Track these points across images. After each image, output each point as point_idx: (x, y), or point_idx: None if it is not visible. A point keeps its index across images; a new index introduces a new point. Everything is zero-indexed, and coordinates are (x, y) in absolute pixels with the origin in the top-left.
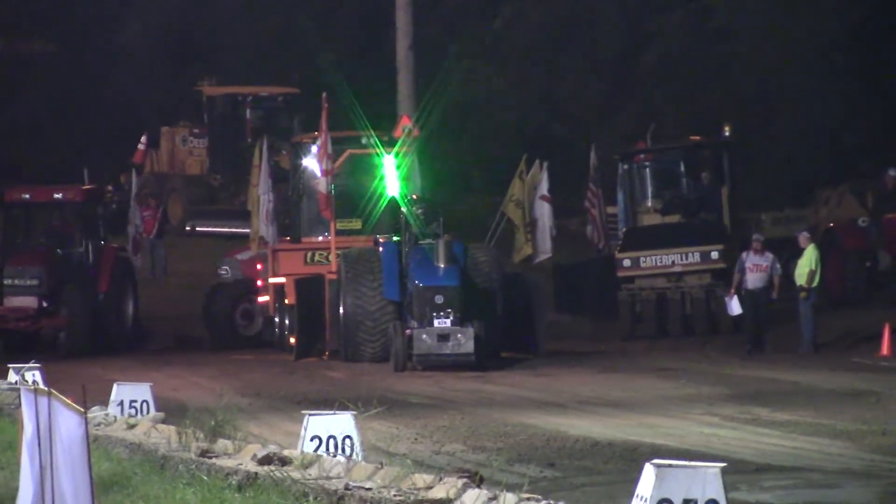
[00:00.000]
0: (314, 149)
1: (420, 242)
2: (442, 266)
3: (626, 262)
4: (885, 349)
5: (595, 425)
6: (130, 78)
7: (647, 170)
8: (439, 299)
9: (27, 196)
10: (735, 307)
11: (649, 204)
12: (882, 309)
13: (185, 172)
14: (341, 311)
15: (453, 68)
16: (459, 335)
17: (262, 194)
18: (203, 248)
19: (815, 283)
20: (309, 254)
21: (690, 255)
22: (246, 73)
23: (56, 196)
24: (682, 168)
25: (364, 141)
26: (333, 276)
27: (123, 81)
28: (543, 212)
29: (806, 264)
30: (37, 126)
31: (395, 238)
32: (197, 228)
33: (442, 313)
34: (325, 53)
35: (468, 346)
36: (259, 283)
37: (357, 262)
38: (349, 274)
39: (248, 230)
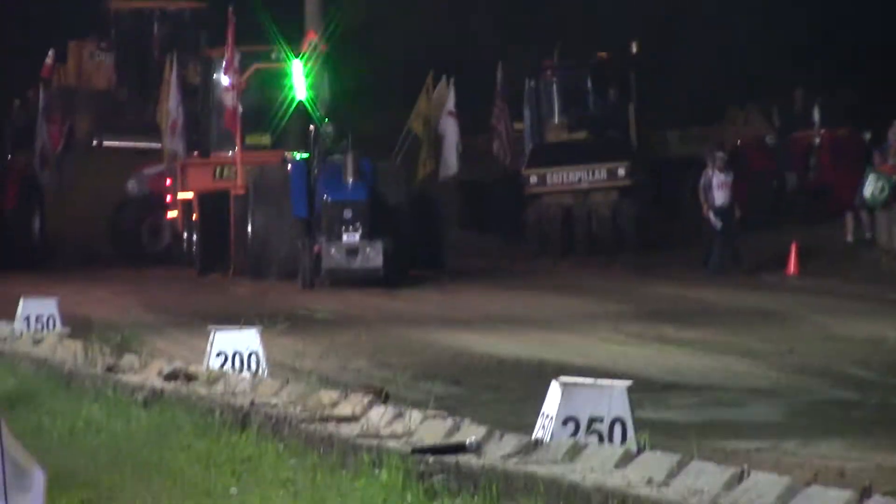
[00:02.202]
0: (222, 63)
1: (329, 158)
2: (350, 181)
3: (533, 179)
4: (791, 268)
5: (501, 342)
6: None
7: (554, 86)
8: (348, 214)
9: None
10: (717, 222)
11: (556, 121)
12: (789, 228)
13: (93, 87)
14: (249, 228)
15: None
16: (368, 249)
17: (171, 109)
18: (111, 163)
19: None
20: (218, 169)
21: (597, 172)
22: None
23: None
24: (589, 85)
25: (272, 55)
26: (239, 192)
27: None
28: (450, 128)
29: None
30: None
31: (302, 155)
32: (104, 143)
33: (350, 227)
34: None
35: (377, 260)
36: (168, 198)
37: (265, 178)
38: (257, 191)
39: (155, 145)
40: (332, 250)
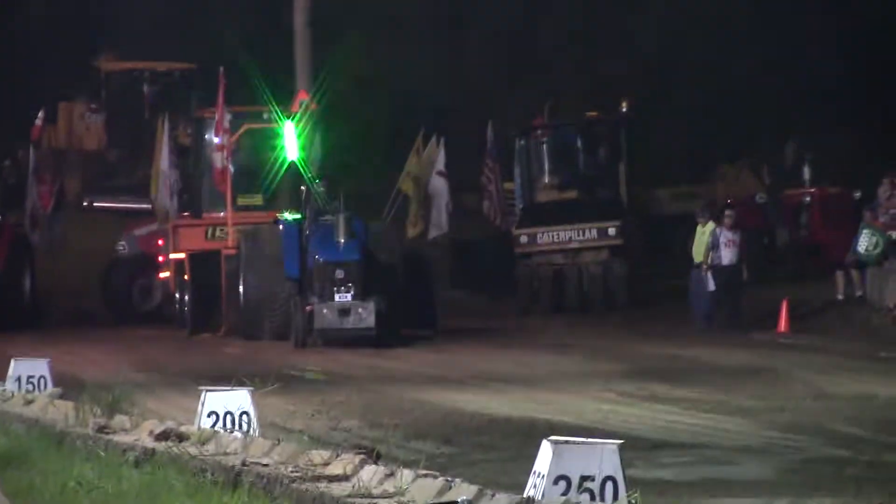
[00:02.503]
0: (214, 123)
1: (321, 218)
2: (342, 241)
3: (524, 239)
4: (782, 326)
5: (492, 401)
6: (27, 52)
7: (545, 146)
8: (340, 274)
9: None
10: (711, 283)
11: (546, 180)
12: (780, 286)
13: (83, 148)
14: (241, 289)
15: (351, 43)
16: (360, 309)
17: (162, 169)
18: (100, 223)
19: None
20: (210, 229)
21: (588, 231)
22: (143, 49)
23: None
24: (580, 144)
25: (265, 116)
26: (230, 252)
27: (20, 56)
28: (440, 187)
29: (705, 241)
30: None
31: (293, 216)
32: (94, 204)
33: (343, 288)
34: (224, 29)
35: (369, 320)
36: (161, 258)
37: (257, 239)
38: (249, 252)
39: (145, 206)
40: (325, 310)
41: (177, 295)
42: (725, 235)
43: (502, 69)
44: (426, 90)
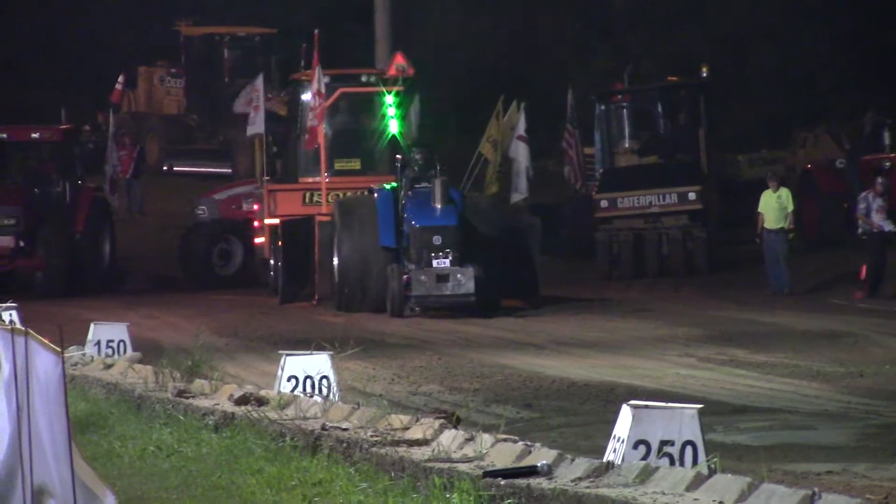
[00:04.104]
0: (310, 87)
1: (416, 186)
2: (440, 207)
3: (604, 203)
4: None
5: (571, 366)
6: (108, 17)
7: (625, 111)
8: (437, 240)
9: (4, 135)
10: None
11: (626, 145)
12: (859, 251)
13: (163, 112)
14: (335, 260)
15: (430, 10)
16: (459, 275)
17: (251, 131)
18: (180, 187)
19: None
20: (307, 194)
21: (668, 196)
22: (223, 13)
23: (33, 135)
24: (660, 109)
25: (362, 79)
26: (325, 219)
27: (101, 21)
28: (520, 152)
29: (787, 206)
30: (14, 65)
31: (389, 186)
32: (174, 168)
33: (440, 254)
34: None
35: (468, 286)
36: (256, 223)
37: (352, 208)
38: (344, 221)
39: (225, 170)
40: (422, 277)
41: (271, 261)
42: (878, 202)
43: (580, 36)
44: (505, 57)
